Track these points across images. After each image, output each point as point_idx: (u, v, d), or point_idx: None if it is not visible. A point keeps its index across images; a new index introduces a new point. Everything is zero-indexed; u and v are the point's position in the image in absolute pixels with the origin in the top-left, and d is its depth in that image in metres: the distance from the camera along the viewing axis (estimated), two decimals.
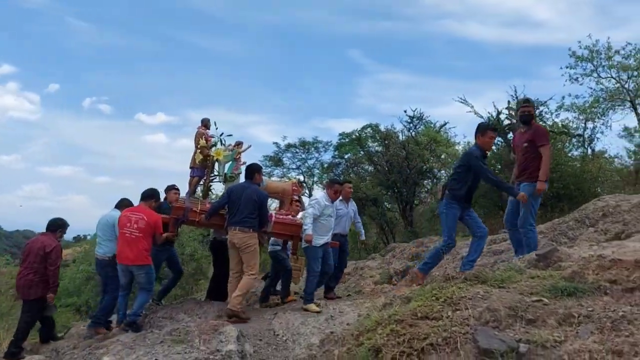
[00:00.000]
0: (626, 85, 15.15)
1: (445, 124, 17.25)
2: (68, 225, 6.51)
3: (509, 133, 11.09)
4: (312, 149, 22.33)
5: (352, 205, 7.25)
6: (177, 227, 6.72)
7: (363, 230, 7.63)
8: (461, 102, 11.61)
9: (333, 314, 6.07)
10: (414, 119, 16.74)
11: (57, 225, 6.32)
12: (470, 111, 11.46)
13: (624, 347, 2.20)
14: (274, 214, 6.52)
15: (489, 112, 11.41)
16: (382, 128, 18.11)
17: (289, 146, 22.27)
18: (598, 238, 4.22)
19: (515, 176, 5.48)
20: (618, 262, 3.00)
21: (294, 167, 22.14)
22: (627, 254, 3.25)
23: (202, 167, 6.98)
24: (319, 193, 6.61)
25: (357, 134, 18.44)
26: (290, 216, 6.68)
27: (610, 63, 15.20)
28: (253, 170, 6.46)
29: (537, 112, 10.85)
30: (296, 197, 7.09)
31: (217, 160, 6.97)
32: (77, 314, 11.81)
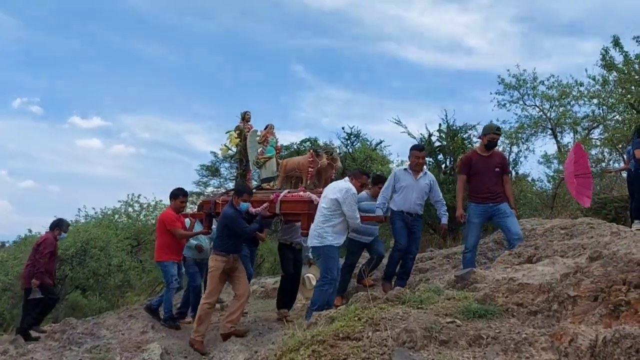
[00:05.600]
0: (548, 114, 16.21)
1: (380, 142, 17.70)
2: (67, 224, 7.12)
3: (439, 154, 11.58)
4: None
5: (427, 178, 5.94)
6: (209, 222, 6.80)
7: (446, 213, 6.01)
8: (396, 123, 11.99)
9: (262, 331, 6.08)
10: (352, 136, 17.10)
11: (54, 225, 6.77)
12: (404, 132, 11.86)
13: None
14: (280, 193, 6.13)
15: (421, 134, 11.87)
16: (320, 142, 18.34)
17: (226, 156, 22.01)
18: (512, 261, 4.52)
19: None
20: (525, 286, 3.23)
21: (231, 177, 21.89)
22: (535, 277, 3.52)
23: (239, 159, 7.43)
24: (347, 185, 5.40)
25: (296, 147, 18.56)
26: (300, 193, 6.01)
27: (534, 92, 16.22)
28: (233, 193, 6.15)
29: (465, 135, 11.42)
30: (312, 169, 6.35)
31: (230, 149, 7.45)
32: None
